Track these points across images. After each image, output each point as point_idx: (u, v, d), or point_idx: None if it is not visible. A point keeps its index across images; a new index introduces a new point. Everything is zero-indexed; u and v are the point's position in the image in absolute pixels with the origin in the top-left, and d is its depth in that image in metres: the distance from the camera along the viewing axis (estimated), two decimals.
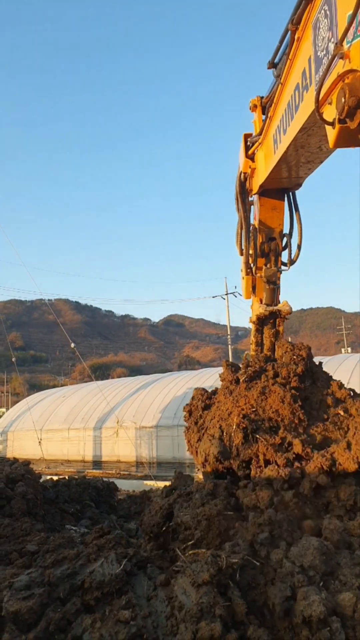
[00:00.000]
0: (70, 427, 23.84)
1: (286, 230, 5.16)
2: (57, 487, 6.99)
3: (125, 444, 21.05)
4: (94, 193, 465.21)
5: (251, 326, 5.49)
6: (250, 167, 5.09)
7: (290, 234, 5.10)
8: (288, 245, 5.13)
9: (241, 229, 5.28)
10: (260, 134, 4.81)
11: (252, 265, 5.20)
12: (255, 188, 5.06)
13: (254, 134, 5.06)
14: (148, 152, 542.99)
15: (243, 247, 5.22)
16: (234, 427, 4.03)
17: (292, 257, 5.09)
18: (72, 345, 23.12)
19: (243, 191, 5.31)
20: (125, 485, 14.04)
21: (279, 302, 5.20)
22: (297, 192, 5.10)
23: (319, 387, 4.54)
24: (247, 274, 5.30)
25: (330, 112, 3.16)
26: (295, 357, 4.56)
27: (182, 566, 3.64)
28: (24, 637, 3.24)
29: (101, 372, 74.33)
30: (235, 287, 39.59)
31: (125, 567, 3.65)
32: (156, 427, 20.90)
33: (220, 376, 4.90)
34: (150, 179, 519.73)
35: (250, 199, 5.40)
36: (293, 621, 3.19)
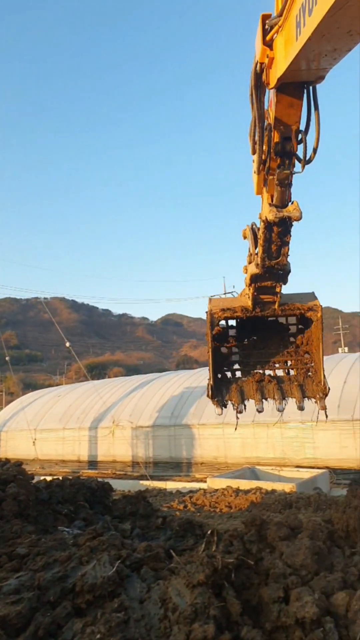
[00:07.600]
0: (65, 426, 23.77)
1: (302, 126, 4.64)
2: (51, 487, 6.84)
3: (122, 444, 21.03)
4: (92, 192, 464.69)
5: (260, 224, 5.48)
6: (267, 57, 4.42)
7: (306, 132, 4.58)
8: (303, 144, 4.62)
9: (255, 126, 4.88)
10: (280, 14, 4.08)
11: (264, 163, 4.92)
12: (273, 81, 4.41)
13: (273, 15, 4.25)
14: (148, 153, 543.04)
15: (256, 146, 4.88)
16: None
17: (308, 158, 4.62)
18: (67, 344, 23.00)
19: (259, 85, 4.70)
20: (121, 486, 14.01)
21: (290, 202, 5.08)
22: (318, 87, 4.38)
23: None
24: (259, 172, 5.10)
25: None
26: None
27: (177, 567, 3.60)
28: None
29: (98, 372, 73.85)
30: (234, 286, 35.44)
31: (118, 569, 3.60)
32: (153, 426, 20.89)
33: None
34: (148, 178, 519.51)
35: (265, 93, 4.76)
36: (287, 622, 3.18)
